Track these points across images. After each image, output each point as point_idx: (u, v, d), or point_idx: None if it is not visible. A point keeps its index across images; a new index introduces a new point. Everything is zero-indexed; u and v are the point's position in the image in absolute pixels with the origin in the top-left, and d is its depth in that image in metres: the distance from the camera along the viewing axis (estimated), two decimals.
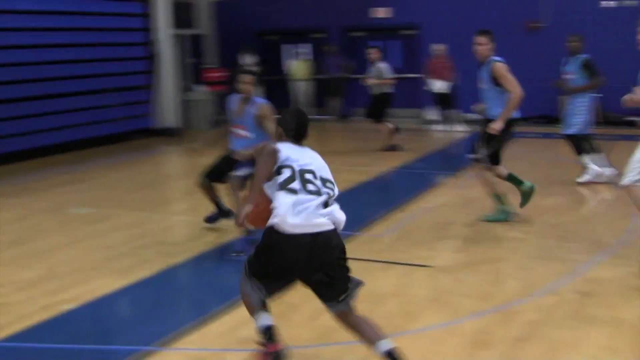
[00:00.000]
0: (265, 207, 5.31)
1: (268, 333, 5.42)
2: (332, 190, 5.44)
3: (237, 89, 9.31)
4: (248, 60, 23.42)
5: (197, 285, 8.24)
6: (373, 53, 16.65)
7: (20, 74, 17.22)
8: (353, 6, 22.93)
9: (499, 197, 10.05)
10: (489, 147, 9.80)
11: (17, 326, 6.78)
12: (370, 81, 16.55)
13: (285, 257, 5.24)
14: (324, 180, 5.46)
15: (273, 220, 5.20)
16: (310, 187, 5.32)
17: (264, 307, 5.47)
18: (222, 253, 9.02)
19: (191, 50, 24.17)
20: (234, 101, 9.39)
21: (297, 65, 23.58)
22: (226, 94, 23.06)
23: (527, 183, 10.07)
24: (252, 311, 5.50)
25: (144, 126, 20.44)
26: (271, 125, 8.71)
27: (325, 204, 5.32)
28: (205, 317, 6.84)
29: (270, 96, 23.12)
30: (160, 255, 8.97)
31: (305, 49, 23.93)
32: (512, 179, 10.14)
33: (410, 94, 21.65)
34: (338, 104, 22.08)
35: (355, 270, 8.06)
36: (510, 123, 9.73)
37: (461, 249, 8.96)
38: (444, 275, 7.98)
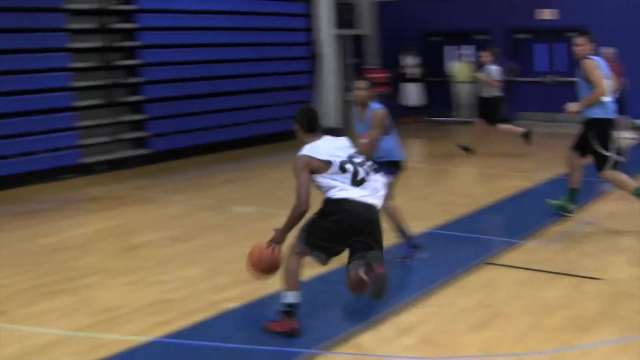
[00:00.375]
0: (267, 261, 6.67)
1: (292, 310, 6.46)
2: (363, 161, 6.70)
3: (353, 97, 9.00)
4: (409, 61, 23.30)
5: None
6: (485, 56, 16.79)
7: (186, 73, 17.58)
8: (518, 8, 22.41)
9: (638, 192, 9.97)
10: (610, 148, 9.97)
11: (181, 323, 6.85)
12: (480, 76, 16.67)
13: (352, 220, 6.41)
14: (353, 157, 6.64)
15: (343, 195, 6.42)
16: (362, 174, 6.56)
17: (298, 287, 6.50)
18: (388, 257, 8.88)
19: (352, 50, 24.18)
20: (356, 110, 9.01)
21: (459, 67, 23.26)
22: (387, 95, 23.23)
23: (574, 207, 10.56)
24: (289, 287, 6.51)
25: None
26: (377, 132, 8.60)
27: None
28: (369, 322, 6.74)
29: (432, 97, 23.13)
30: None
31: (468, 50, 23.57)
32: (573, 193, 10.56)
33: (577, 99, 21.07)
34: (504, 108, 21.62)
35: (522, 280, 7.91)
36: (607, 123, 10.02)
37: (634, 261, 8.52)
38: (616, 289, 7.61)
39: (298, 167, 6.49)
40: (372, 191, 6.58)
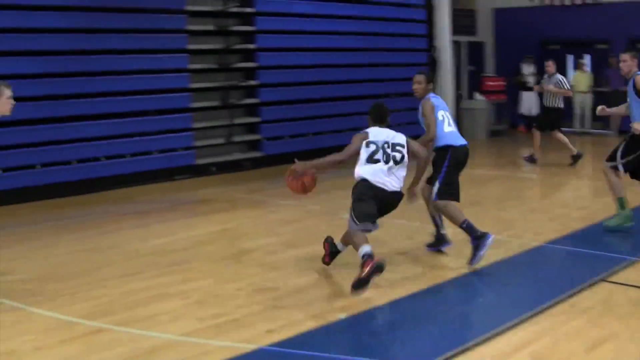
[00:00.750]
0: (308, 183, 8.55)
1: (370, 255, 7.46)
2: (401, 151, 8.20)
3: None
4: (526, 69, 22.88)
5: (467, 304, 7.93)
6: (549, 66, 16.97)
7: (302, 77, 17.58)
8: None
9: (622, 202, 10.29)
10: (627, 155, 10.14)
11: (289, 332, 6.73)
12: (549, 87, 16.68)
13: (375, 195, 8.07)
14: (394, 145, 8.19)
15: (365, 176, 8.14)
16: (382, 154, 8.10)
17: (366, 241, 7.68)
18: (486, 271, 8.66)
19: (469, 57, 23.91)
20: None
21: (577, 77, 22.75)
22: (504, 103, 22.88)
23: (628, 213, 10.36)
24: (358, 245, 7.66)
25: (418, 133, 20.31)
26: (428, 121, 9.05)
27: (399, 161, 8.19)
28: (481, 338, 6.50)
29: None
30: (435, 269, 8.75)
31: (586, 59, 23.05)
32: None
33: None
34: (619, 119, 21.08)
35: (638, 299, 7.55)
36: None
37: None
38: None
39: (355, 137, 8.30)
40: (383, 172, 8.11)
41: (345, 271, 8.51)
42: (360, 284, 7.31)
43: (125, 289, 8.05)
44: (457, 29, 22.30)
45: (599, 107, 10.78)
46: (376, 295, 7.67)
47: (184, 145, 15.42)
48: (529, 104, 22.92)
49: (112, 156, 14.31)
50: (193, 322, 7.02)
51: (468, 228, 8.69)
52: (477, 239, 8.58)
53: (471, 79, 23.81)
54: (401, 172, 8.24)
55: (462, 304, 7.85)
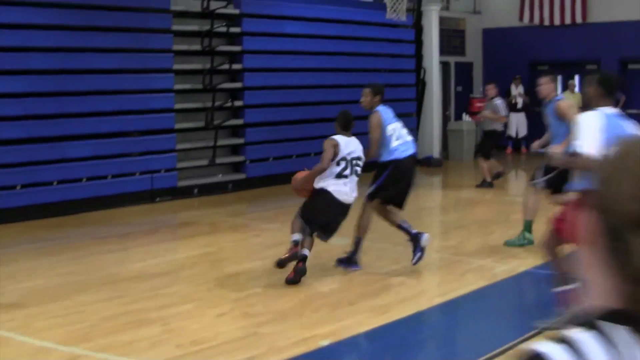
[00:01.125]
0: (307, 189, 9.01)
1: (296, 243, 8.66)
2: (360, 165, 9.01)
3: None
4: (514, 90, 22.82)
5: (452, 331, 7.81)
6: (490, 89, 16.83)
7: (287, 98, 17.46)
8: (633, 37, 21.77)
9: (529, 225, 10.57)
10: (548, 173, 10.22)
11: (270, 359, 6.59)
12: (485, 114, 16.69)
13: (333, 209, 8.80)
14: (358, 159, 8.96)
15: (328, 188, 8.76)
16: (350, 170, 8.82)
17: (300, 231, 8.73)
18: (473, 297, 8.52)
19: (457, 78, 23.86)
20: None
21: (566, 97, 22.66)
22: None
23: (531, 237, 10.56)
24: (294, 230, 8.79)
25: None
26: (373, 134, 9.32)
27: (359, 174, 8.99)
28: None
29: (538, 128, 22.54)
30: (420, 294, 8.62)
31: (575, 80, 23.01)
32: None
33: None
34: None
35: None
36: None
37: None
38: None
39: (327, 145, 8.84)
40: (348, 187, 8.85)
41: (327, 297, 8.40)
42: (280, 264, 8.69)
43: (104, 314, 7.86)
44: (445, 50, 22.24)
45: (534, 144, 11.11)
46: (360, 322, 7.54)
47: (166, 166, 15.23)
48: (516, 125, 22.86)
49: (93, 177, 14.09)
50: (172, 348, 6.86)
51: (356, 244, 9.33)
52: (350, 260, 9.41)
53: (459, 100, 23.72)
54: (355, 181, 9.03)
55: (447, 331, 7.77)
